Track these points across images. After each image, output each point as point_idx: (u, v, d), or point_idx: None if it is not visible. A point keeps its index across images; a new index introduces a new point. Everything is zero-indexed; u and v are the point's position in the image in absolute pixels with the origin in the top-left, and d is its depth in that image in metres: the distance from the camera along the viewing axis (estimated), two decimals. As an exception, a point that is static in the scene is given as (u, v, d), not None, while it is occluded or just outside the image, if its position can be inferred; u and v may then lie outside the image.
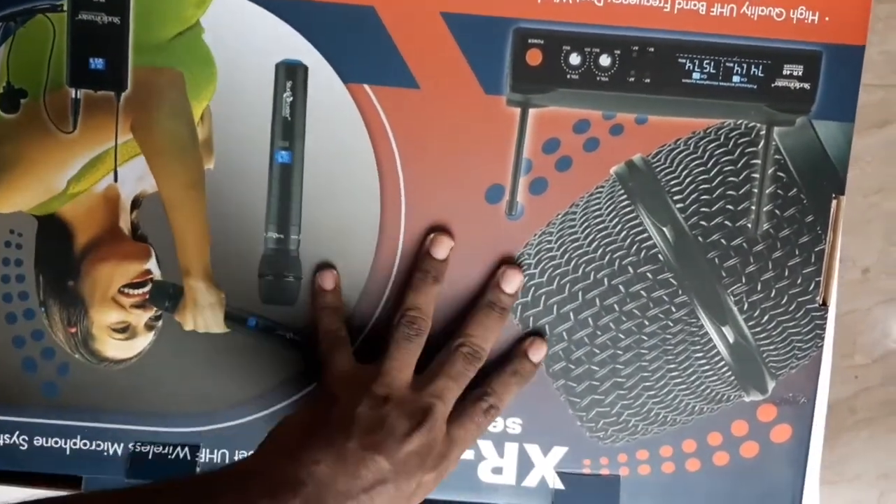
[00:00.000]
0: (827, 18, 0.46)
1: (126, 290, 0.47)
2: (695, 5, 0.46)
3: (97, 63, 0.46)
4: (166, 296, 0.47)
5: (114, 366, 0.48)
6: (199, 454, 0.49)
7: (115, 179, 0.47)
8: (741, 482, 0.49)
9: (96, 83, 0.46)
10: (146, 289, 0.48)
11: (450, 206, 0.47)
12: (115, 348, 0.48)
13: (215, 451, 0.49)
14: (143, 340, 0.48)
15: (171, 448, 0.48)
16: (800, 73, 0.47)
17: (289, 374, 0.48)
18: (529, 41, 0.46)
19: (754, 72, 0.47)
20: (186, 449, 0.49)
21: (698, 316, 0.48)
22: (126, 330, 0.48)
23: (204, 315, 0.47)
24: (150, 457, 0.48)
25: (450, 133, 0.47)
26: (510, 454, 0.49)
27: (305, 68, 0.46)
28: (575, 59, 0.46)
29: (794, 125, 0.47)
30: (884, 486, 0.45)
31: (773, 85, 0.47)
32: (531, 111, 0.47)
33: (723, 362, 0.49)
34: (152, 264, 0.47)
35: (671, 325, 0.48)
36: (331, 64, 0.46)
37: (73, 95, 0.46)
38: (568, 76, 0.47)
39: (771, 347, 0.49)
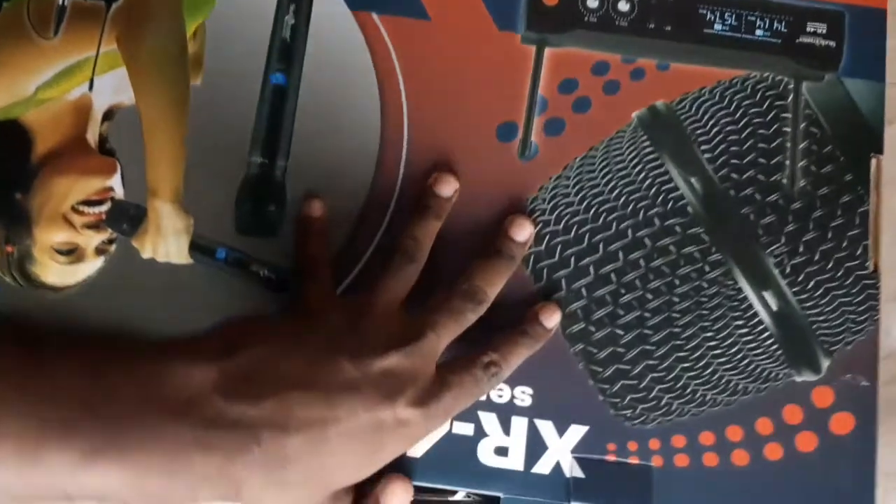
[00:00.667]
0: (846, -18, 0.46)
1: (80, 208, 0.41)
2: (713, -40, 0.46)
3: (92, -27, 0.43)
4: (126, 217, 0.41)
5: (49, 293, 0.40)
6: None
7: (90, 88, 0.42)
8: (799, 482, 0.40)
9: (88, -8, 0.43)
10: (104, 207, 0.41)
11: (457, 142, 0.43)
12: (56, 273, 0.40)
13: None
14: (90, 266, 0.41)
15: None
16: (824, 31, 0.45)
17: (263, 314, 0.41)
18: (546, -18, 0.45)
19: (777, 27, 0.45)
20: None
21: (735, 278, 0.42)
22: (72, 252, 0.40)
23: (166, 242, 0.41)
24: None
25: (459, 67, 0.44)
26: (518, 431, 0.40)
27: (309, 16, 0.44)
28: (593, 2, 0.45)
29: (823, 81, 0.45)
30: (887, 484, 0.38)
31: (797, 41, 0.45)
32: (547, 50, 0.44)
33: (767, 333, 0.42)
34: (116, 182, 0.42)
35: (705, 286, 0.42)
36: (338, -10, 0.44)
37: (60, 2, 0.43)
38: (585, 18, 0.45)
39: (821, 318, 0.42)
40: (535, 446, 0.40)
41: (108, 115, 0.42)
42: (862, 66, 0.45)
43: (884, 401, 0.42)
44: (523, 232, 0.41)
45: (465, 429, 0.40)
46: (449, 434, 0.40)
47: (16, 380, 0.28)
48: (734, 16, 0.45)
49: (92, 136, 0.42)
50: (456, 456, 0.39)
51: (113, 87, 0.42)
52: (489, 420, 0.40)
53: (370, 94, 0.43)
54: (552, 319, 0.41)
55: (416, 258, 0.39)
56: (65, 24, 0.43)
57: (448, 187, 0.41)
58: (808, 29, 0.45)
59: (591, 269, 0.42)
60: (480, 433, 0.40)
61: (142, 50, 0.42)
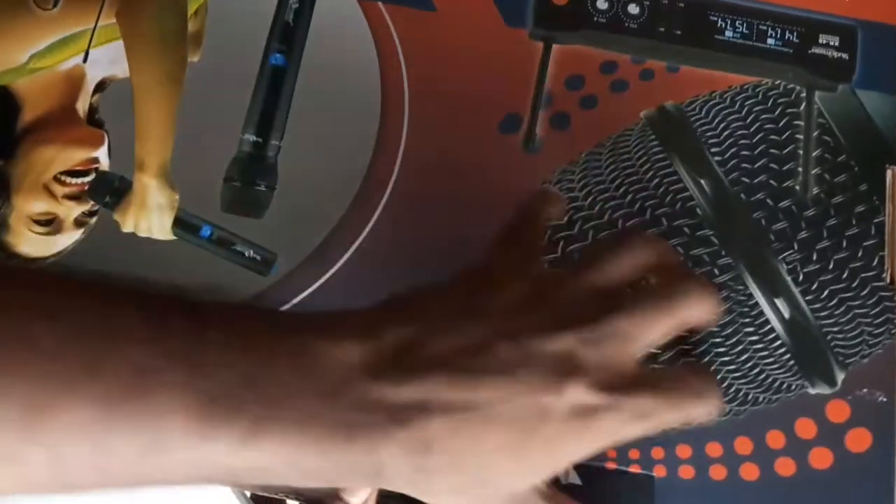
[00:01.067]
0: (859, -4, 0.45)
1: (63, 178, 0.39)
2: (724, -31, 0.45)
3: (97, -51, 0.43)
4: (109, 189, 0.39)
5: (22, 264, 0.38)
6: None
7: (85, 60, 0.41)
8: (812, 501, 0.37)
9: (90, -33, 0.43)
10: (87, 178, 0.39)
11: (457, 132, 0.42)
12: (32, 243, 0.38)
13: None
14: (67, 238, 0.39)
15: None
16: (836, 44, 0.44)
17: (243, 298, 0.38)
18: (555, -19, 0.44)
19: (789, 37, 0.44)
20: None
21: (746, 283, 0.40)
22: (50, 223, 0.39)
23: (149, 216, 0.39)
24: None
25: (463, 58, 0.43)
26: (512, 432, 0.37)
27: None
28: (602, 3, 0.44)
29: (836, 91, 0.43)
30: None
31: (809, 52, 0.44)
32: (554, 46, 0.43)
33: (779, 342, 0.39)
34: (102, 153, 0.40)
35: (714, 289, 0.40)
36: (345, -21, 0.43)
37: (62, -25, 0.42)
38: (595, 19, 0.44)
39: (836, 329, 0.40)
40: (530, 448, 0.37)
41: (101, 86, 0.41)
42: (875, 79, 0.44)
43: None
44: None
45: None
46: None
47: (181, 354, 0.25)
48: (745, 24, 0.44)
49: (81, 107, 0.41)
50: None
51: (108, 60, 0.41)
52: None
53: (371, 80, 0.42)
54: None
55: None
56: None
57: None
58: (820, 41, 0.44)
59: (595, 267, 0.40)
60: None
61: (141, 23, 0.41)
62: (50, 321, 0.24)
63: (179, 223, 0.39)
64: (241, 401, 0.25)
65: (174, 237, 0.39)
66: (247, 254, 0.39)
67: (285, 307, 0.38)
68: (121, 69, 0.41)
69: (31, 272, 0.30)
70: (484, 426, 0.27)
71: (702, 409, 0.30)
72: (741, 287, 0.40)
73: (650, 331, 0.30)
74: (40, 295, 0.25)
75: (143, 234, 0.39)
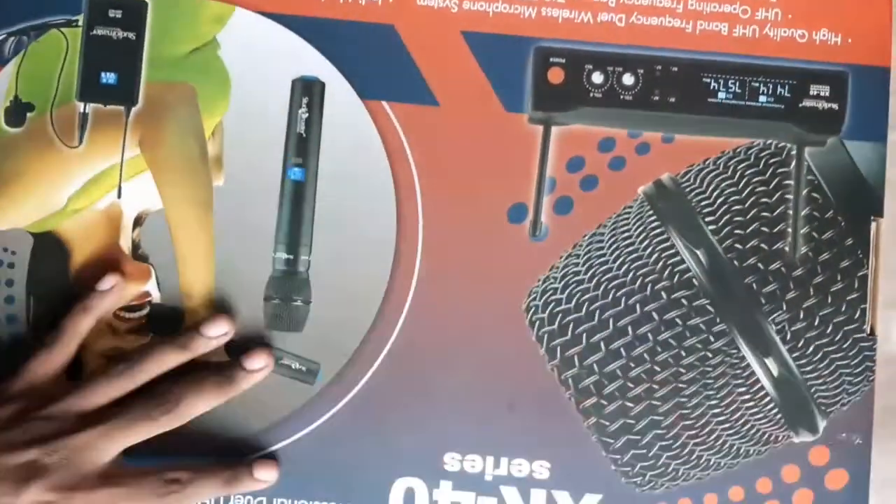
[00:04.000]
0: (850, 40, 0.46)
1: (122, 314, 0.44)
2: (717, 26, 0.46)
3: (109, 78, 0.45)
4: (166, 321, 0.44)
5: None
6: (190, 499, 0.43)
7: (119, 196, 0.44)
8: (797, 536, 0.44)
9: (107, 97, 0.45)
10: (144, 312, 0.44)
11: (470, 226, 0.45)
12: (106, 378, 0.44)
13: (208, 496, 0.44)
14: (136, 370, 0.44)
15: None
16: (827, 94, 0.46)
17: (295, 407, 0.44)
18: (551, 59, 0.45)
19: (780, 92, 0.46)
20: (176, 494, 0.43)
21: (739, 346, 0.44)
22: (116, 357, 0.44)
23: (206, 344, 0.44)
24: None
25: (469, 151, 0.45)
26: (537, 502, 0.44)
27: (322, 84, 0.45)
28: (597, 77, 0.45)
29: (825, 145, 0.46)
30: (884, 492, 0.41)
31: (800, 105, 0.46)
32: (554, 129, 0.45)
33: (768, 398, 0.45)
34: (152, 286, 0.44)
35: (710, 356, 0.44)
36: (348, 80, 0.45)
37: (82, 109, 0.44)
38: (591, 94, 0.45)
39: (819, 381, 0.45)
40: (554, 515, 0.44)
41: (138, 221, 0.44)
42: (863, 128, 0.46)
43: (880, 407, 0.45)
44: (216, 328, 0.43)
45: (489, 503, 0.44)
46: (474, 510, 0.44)
47: None
48: (738, 83, 0.46)
49: (125, 243, 0.44)
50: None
51: (140, 193, 0.44)
52: (510, 493, 0.44)
53: (384, 181, 0.45)
54: (263, 473, 0.43)
55: (50, 347, 0.41)
56: (88, 131, 0.44)
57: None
58: (811, 92, 0.46)
59: (602, 345, 0.45)
60: (503, 505, 0.44)
61: (163, 149, 0.44)
62: None
63: (230, 347, 0.44)
64: None
65: (228, 358, 0.44)
66: (293, 366, 0.44)
67: (333, 411, 0.44)
68: (153, 202, 0.44)
69: None
70: None
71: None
72: (734, 351, 0.45)
73: (117, 442, 0.40)
74: None
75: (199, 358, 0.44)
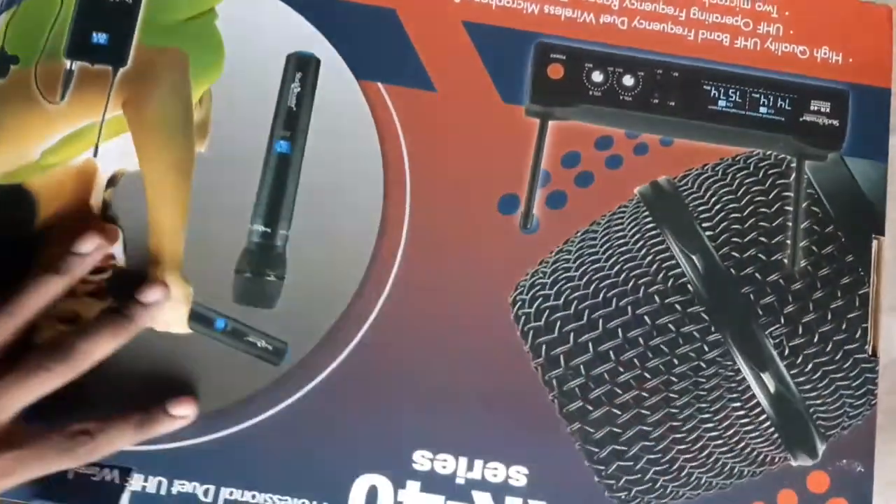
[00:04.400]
0: (850, 60, 0.46)
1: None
2: (718, 36, 0.46)
3: (100, 38, 0.44)
4: (127, 285, 0.41)
5: (48, 362, 0.40)
6: (130, 479, 0.39)
7: (95, 154, 0.43)
8: (794, 568, 0.40)
9: (95, 56, 0.43)
10: (106, 275, 0.41)
11: (459, 213, 0.43)
12: (56, 341, 0.40)
13: (150, 478, 0.40)
14: (90, 335, 0.41)
15: (97, 468, 0.39)
16: (827, 110, 0.45)
17: (258, 387, 0.41)
18: (552, 55, 0.45)
19: (781, 104, 0.45)
20: (116, 472, 0.39)
21: (734, 358, 0.42)
22: (74, 321, 0.41)
23: (166, 312, 0.41)
24: (69, 476, 0.39)
25: (463, 138, 0.44)
26: (512, 511, 0.40)
27: (318, 61, 0.44)
28: (597, 76, 0.45)
29: (826, 160, 0.45)
30: (890, 494, 0.38)
31: (800, 119, 0.45)
32: (551, 123, 0.44)
33: (764, 415, 0.42)
34: (117, 250, 0.42)
35: (704, 366, 0.42)
36: (345, 60, 0.44)
37: (68, 67, 0.43)
38: (590, 92, 0.45)
39: (818, 402, 0.42)
40: (529, 526, 0.40)
41: (112, 181, 0.42)
42: (865, 146, 0.45)
43: (883, 411, 0.42)
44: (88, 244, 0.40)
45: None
46: (444, 514, 0.40)
47: None
48: (738, 92, 0.45)
49: (95, 203, 0.42)
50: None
51: (119, 153, 0.42)
52: (483, 499, 0.40)
53: (373, 163, 0.43)
54: (179, 409, 0.39)
55: (11, 311, 0.38)
56: (72, 88, 0.43)
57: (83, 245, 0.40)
58: (811, 107, 0.45)
59: (590, 347, 0.42)
60: (474, 512, 0.40)
61: (146, 110, 0.43)
62: None
63: (195, 317, 0.41)
64: None
65: (190, 331, 0.41)
66: (259, 344, 0.41)
67: (298, 396, 0.41)
68: (131, 163, 0.42)
69: None
70: None
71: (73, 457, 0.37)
72: (729, 363, 0.42)
73: (14, 398, 0.36)
74: None
75: (160, 328, 0.41)
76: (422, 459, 0.41)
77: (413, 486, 0.40)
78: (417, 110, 0.44)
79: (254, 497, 0.40)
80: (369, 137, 0.43)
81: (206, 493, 0.40)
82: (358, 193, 0.43)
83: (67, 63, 0.43)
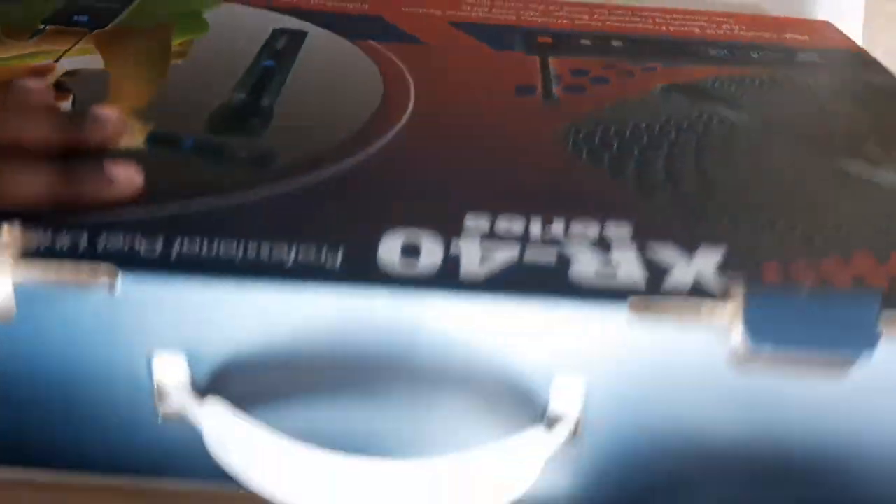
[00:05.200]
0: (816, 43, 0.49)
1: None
2: (691, 27, 0.49)
3: (81, 18, 0.43)
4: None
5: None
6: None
7: (56, 61, 0.38)
8: None
9: (71, 27, 0.42)
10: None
11: (475, 99, 0.39)
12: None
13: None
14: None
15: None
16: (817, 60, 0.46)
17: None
18: (539, 39, 0.46)
19: (773, 56, 0.46)
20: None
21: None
22: None
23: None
24: None
25: (470, 49, 0.42)
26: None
27: (304, 34, 0.44)
28: (586, 41, 0.46)
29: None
30: None
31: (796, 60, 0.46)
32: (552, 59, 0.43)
33: None
34: (66, 106, 0.35)
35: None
36: (335, 33, 0.44)
37: (41, 27, 0.42)
38: (581, 42, 0.45)
39: None
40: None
41: (72, 73, 0.37)
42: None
43: None
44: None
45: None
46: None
47: None
48: (727, 48, 0.46)
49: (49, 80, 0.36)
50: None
51: (83, 63, 0.38)
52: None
53: (370, 69, 0.40)
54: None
55: None
56: (40, 37, 0.40)
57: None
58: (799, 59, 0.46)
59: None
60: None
61: (122, 48, 0.40)
62: None
63: (158, 137, 0.32)
64: None
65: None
66: (240, 154, 0.31)
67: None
68: (97, 64, 0.38)
69: None
70: None
71: None
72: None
73: None
74: None
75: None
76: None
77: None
78: (415, 52, 0.42)
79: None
80: (364, 62, 0.41)
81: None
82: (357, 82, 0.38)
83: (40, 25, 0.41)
